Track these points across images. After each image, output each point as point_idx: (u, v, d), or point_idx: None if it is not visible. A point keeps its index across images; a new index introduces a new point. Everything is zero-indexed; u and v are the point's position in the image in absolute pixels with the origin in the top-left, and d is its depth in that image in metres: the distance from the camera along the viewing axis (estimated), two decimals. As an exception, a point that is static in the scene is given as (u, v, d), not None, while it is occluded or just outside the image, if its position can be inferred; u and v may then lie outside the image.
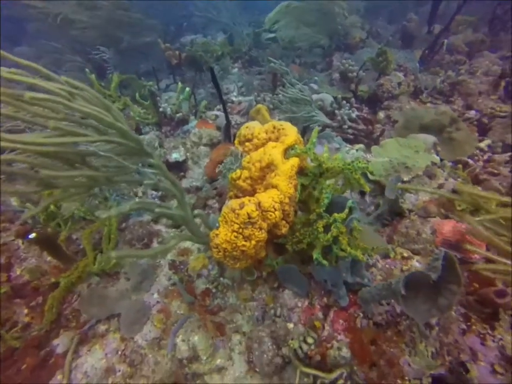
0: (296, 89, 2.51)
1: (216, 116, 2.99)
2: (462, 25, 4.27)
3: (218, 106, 3.21)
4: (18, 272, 1.81)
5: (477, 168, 2.13)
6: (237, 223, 1.19)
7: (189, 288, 1.72)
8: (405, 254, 1.52)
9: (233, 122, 2.98)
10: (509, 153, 2.32)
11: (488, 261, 1.54)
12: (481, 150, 2.45)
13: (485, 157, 2.40)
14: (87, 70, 2.64)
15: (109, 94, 2.81)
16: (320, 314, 1.42)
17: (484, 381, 1.08)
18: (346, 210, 1.24)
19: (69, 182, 1.02)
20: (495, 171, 2.01)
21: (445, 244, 1.56)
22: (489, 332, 1.18)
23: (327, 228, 1.27)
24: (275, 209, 1.22)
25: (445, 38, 3.93)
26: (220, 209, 2.09)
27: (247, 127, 1.56)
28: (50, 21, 4.02)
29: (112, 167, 1.14)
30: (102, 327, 1.66)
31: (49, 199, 1.03)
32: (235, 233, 1.20)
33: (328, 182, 1.39)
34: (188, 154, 2.50)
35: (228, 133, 2.32)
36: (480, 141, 2.53)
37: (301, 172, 1.44)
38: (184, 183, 2.42)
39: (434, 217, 1.75)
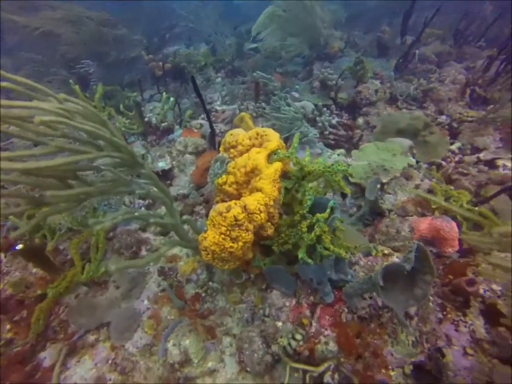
0: (289, 108, 2.61)
1: (201, 125, 3.05)
2: (431, 37, 4.54)
3: (202, 115, 3.27)
4: (0, 287, 1.78)
5: (449, 169, 2.27)
6: (224, 226, 1.24)
7: (179, 293, 1.75)
8: (386, 251, 1.61)
9: (217, 131, 3.04)
10: (476, 155, 2.48)
11: (463, 255, 1.65)
12: (452, 152, 2.61)
13: (456, 159, 2.55)
14: (71, 81, 2.65)
15: (94, 105, 2.82)
16: (307, 312, 1.47)
17: (457, 363, 1.16)
18: (328, 210, 1.31)
19: (63, 198, 1.05)
20: (465, 171, 2.15)
21: (422, 240, 1.66)
22: (462, 318, 1.27)
23: (310, 228, 1.33)
24: (260, 211, 1.28)
25: (416, 48, 4.16)
26: (207, 215, 2.13)
27: (231, 134, 1.62)
28: (31, 33, 3.99)
29: (107, 180, 1.17)
30: (91, 337, 1.65)
31: (40, 215, 1.05)
32: (223, 236, 1.24)
33: (310, 184, 1.46)
34: (173, 162, 2.54)
35: (213, 141, 2.37)
36: (452, 143, 2.69)
37: (284, 175, 1.51)
38: (171, 191, 2.45)
39: (412, 215, 1.86)
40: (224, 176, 1.50)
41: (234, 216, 1.22)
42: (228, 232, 1.24)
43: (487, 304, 1.30)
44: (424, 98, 3.21)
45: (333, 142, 2.76)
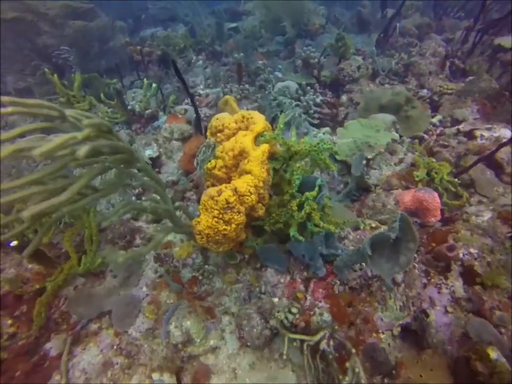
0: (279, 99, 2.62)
1: (186, 110, 3.01)
2: (410, 10, 4.52)
3: (186, 100, 3.21)
4: (-3, 285, 1.79)
5: (431, 142, 2.35)
6: (216, 209, 1.27)
7: (175, 278, 1.79)
8: (373, 225, 1.69)
9: (202, 115, 3.01)
10: (456, 127, 2.55)
11: (445, 223, 1.75)
12: (434, 125, 2.68)
13: (438, 131, 2.63)
14: (46, 69, 2.55)
15: (73, 95, 2.73)
16: (301, 287, 1.55)
17: (439, 321, 1.27)
18: (317, 188, 1.36)
19: (79, 210, 1.05)
20: (446, 143, 2.23)
21: (407, 212, 1.74)
22: (444, 281, 1.37)
23: (300, 207, 1.39)
24: (251, 193, 1.31)
25: (397, 22, 4.15)
26: (198, 201, 2.16)
27: (217, 119, 1.63)
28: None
29: (111, 181, 1.18)
30: (94, 326, 1.69)
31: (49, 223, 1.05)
32: (216, 219, 1.28)
33: (297, 164, 1.50)
34: (160, 150, 2.52)
35: (199, 126, 2.36)
36: (433, 117, 2.76)
37: (272, 156, 1.54)
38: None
39: (397, 189, 1.93)
40: (213, 160, 1.52)
41: (225, 199, 1.25)
42: (220, 215, 1.28)
43: (466, 266, 1.40)
44: (406, 73, 3.24)
45: (317, 121, 2.79)
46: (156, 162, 2.48)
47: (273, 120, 2.74)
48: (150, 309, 1.70)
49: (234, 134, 1.56)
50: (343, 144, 2.28)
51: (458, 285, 1.34)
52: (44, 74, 3.68)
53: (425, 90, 3.00)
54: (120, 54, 4.88)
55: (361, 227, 1.72)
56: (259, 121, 1.48)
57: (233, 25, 5.53)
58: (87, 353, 1.60)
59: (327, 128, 2.65)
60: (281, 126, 1.43)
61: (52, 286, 1.65)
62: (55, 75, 2.66)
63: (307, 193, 1.35)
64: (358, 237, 1.66)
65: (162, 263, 1.88)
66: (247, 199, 1.31)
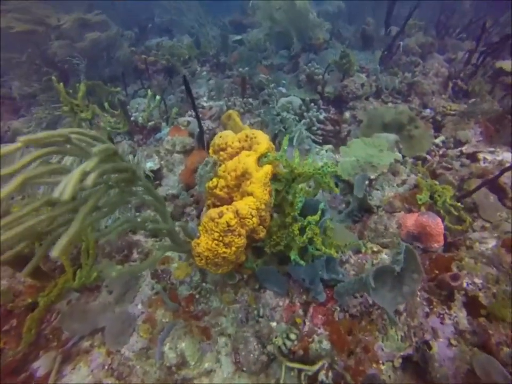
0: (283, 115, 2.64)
1: (188, 122, 3.01)
2: (414, 29, 4.58)
3: (189, 112, 3.22)
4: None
5: (434, 163, 2.34)
6: (217, 232, 1.25)
7: (172, 296, 1.75)
8: (375, 249, 1.66)
9: (205, 128, 3.01)
10: (459, 148, 2.55)
11: (447, 248, 1.72)
12: (437, 145, 2.68)
13: (440, 152, 2.62)
14: (53, 77, 2.55)
15: (76, 104, 2.73)
16: (300, 311, 1.51)
17: (442, 354, 1.23)
18: (319, 212, 1.34)
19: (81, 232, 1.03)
20: (449, 166, 2.22)
21: (409, 236, 1.72)
22: (447, 311, 1.33)
23: (302, 230, 1.36)
24: (252, 216, 1.29)
25: (400, 40, 4.19)
26: (198, 216, 2.13)
27: (220, 137, 1.61)
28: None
29: (112, 201, 1.16)
30: (85, 343, 1.64)
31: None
32: (216, 242, 1.25)
33: (300, 185, 1.48)
34: (162, 162, 2.50)
35: (202, 140, 2.35)
36: (436, 137, 2.76)
37: (274, 177, 1.52)
38: (161, 191, 2.43)
39: (399, 211, 1.91)
40: (214, 179, 1.50)
41: (226, 222, 1.23)
42: (220, 238, 1.25)
43: (470, 296, 1.36)
44: (409, 92, 3.26)
45: (320, 137, 2.78)
46: (156, 174, 2.45)
47: (275, 136, 2.74)
48: (145, 328, 1.65)
49: (237, 153, 1.55)
50: (345, 163, 2.26)
51: (462, 316, 1.30)
52: (49, 81, 3.70)
53: (428, 110, 3.01)
54: (125, 62, 4.92)
55: (363, 250, 1.69)
56: (263, 141, 1.46)
57: (238, 37, 5.59)
58: (76, 373, 1.55)
59: (330, 146, 2.65)
60: (285, 147, 1.42)
61: (44, 301, 1.61)
62: (61, 84, 2.66)
63: (309, 217, 1.32)
64: (359, 261, 1.63)
65: (159, 279, 1.84)
66: (249, 222, 1.28)
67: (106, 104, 2.78)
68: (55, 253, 0.75)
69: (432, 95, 3.18)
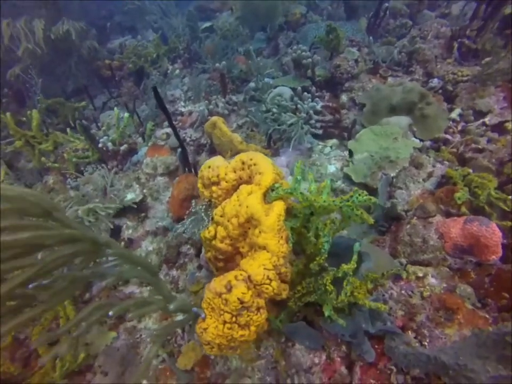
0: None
1: (168, 134, 2.62)
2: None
3: (167, 122, 2.81)
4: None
5: (459, 144, 2.00)
6: (227, 312, 0.92)
7: (182, 365, 1.44)
8: (420, 274, 1.35)
9: (188, 138, 2.63)
10: (481, 120, 2.22)
11: (506, 256, 1.41)
12: (453, 120, 2.33)
13: (459, 127, 2.28)
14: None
15: (32, 135, 2.32)
16: (343, 369, 1.21)
17: None
18: (355, 257, 1.01)
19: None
20: (479, 147, 1.89)
21: (457, 249, 1.41)
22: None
23: (335, 280, 1.04)
24: (270, 280, 0.96)
25: (386, 2, 3.76)
26: (197, 255, 1.80)
27: (209, 167, 1.25)
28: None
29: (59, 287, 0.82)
30: None
31: None
32: (228, 325, 0.93)
33: (321, 219, 1.15)
34: (144, 191, 2.14)
35: (186, 159, 1.98)
36: (450, 110, 2.41)
37: (288, 212, 1.18)
38: (149, 225, 2.08)
39: (435, 215, 1.59)
40: (211, 228, 1.16)
41: (238, 298, 0.90)
42: (233, 319, 0.92)
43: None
44: (410, 62, 2.88)
45: (320, 131, 2.42)
46: (140, 206, 2.09)
47: (270, 138, 2.38)
48: (156, 413, 1.35)
49: (233, 187, 1.20)
50: (358, 162, 1.93)
51: None
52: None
53: (435, 80, 2.64)
54: (86, 70, 4.43)
55: (404, 276, 1.38)
56: (266, 170, 1.11)
57: (208, 24, 5.07)
58: None
59: (334, 141, 2.30)
60: (298, 177, 1.07)
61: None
62: (8, 114, 2.24)
63: (344, 267, 1.00)
64: (403, 292, 1.32)
65: (164, 344, 1.52)
66: (267, 289, 0.95)
67: (68, 130, 2.37)
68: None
69: (435, 60, 2.80)
